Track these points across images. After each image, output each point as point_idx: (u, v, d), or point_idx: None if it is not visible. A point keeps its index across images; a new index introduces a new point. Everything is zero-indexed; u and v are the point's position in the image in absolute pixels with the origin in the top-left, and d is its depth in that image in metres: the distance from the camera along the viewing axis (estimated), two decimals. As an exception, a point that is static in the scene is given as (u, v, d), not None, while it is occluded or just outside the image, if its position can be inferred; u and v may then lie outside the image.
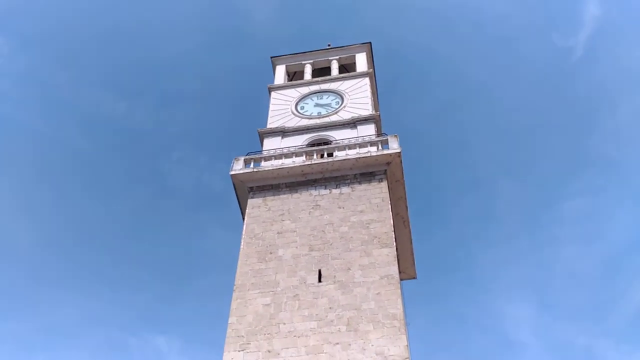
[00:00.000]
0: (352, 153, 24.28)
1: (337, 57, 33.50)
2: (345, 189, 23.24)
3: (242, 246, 21.79)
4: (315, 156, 24.77)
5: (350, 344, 17.80)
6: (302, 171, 23.99)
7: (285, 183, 23.94)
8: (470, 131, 66.30)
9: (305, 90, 30.57)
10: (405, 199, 24.53)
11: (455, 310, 56.49)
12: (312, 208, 22.71)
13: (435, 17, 69.96)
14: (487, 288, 58.33)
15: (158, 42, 69.83)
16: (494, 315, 56.90)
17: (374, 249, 20.56)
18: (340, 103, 28.91)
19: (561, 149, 62.86)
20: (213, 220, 63.56)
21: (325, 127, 27.30)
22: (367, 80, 30.49)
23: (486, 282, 58.47)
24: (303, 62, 33.51)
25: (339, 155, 24.39)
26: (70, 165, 63.98)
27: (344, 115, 27.81)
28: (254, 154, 25.55)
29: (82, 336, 56.29)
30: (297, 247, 21.26)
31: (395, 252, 20.79)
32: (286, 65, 33.46)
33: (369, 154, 23.86)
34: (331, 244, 21.10)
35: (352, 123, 27.00)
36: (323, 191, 23.37)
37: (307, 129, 27.37)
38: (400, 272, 21.38)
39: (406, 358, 17.18)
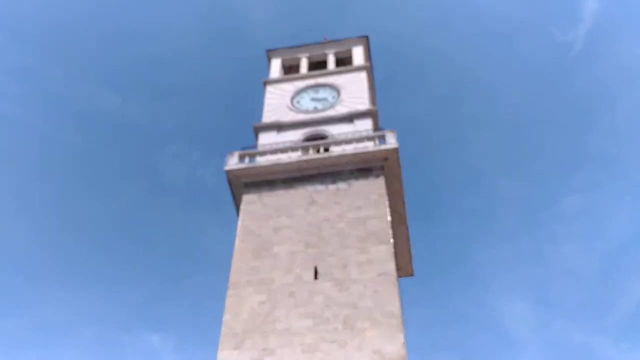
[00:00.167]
0: (348, 148, 23.99)
1: (334, 50, 33.13)
2: (341, 185, 22.95)
3: (237, 243, 21.50)
4: (311, 151, 24.47)
5: (346, 342, 17.55)
6: (298, 167, 23.69)
7: (281, 179, 23.64)
8: (469, 127, 66.12)
9: (301, 84, 30.23)
10: (403, 195, 24.28)
11: (453, 308, 56.46)
12: (308, 204, 22.40)
13: (433, 12, 69.70)
14: (485, 285, 58.30)
15: (153, 37, 69.42)
16: (492, 313, 56.86)
17: (371, 246, 20.29)
18: (336, 97, 28.60)
19: (560, 145, 62.75)
20: (208, 217, 63.24)
21: (322, 121, 26.98)
22: (364, 74, 30.16)
23: (484, 279, 58.40)
24: (299, 56, 33.14)
25: (336, 150, 24.10)
26: (64, 160, 63.58)
27: (341, 109, 27.49)
28: (249, 149, 25.23)
29: (75, 334, 56.05)
30: (292, 244, 20.97)
31: (393, 249, 20.55)
32: (282, 59, 33.06)
33: (366, 150, 23.57)
34: (327, 241, 20.81)
35: (349, 118, 26.68)
36: (319, 187, 23.08)
37: (303, 124, 27.04)
38: (397, 270, 21.14)
39: (403, 356, 16.97)
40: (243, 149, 25.15)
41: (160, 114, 68.27)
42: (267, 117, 28.17)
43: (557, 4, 64.58)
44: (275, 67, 32.43)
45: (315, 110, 28.09)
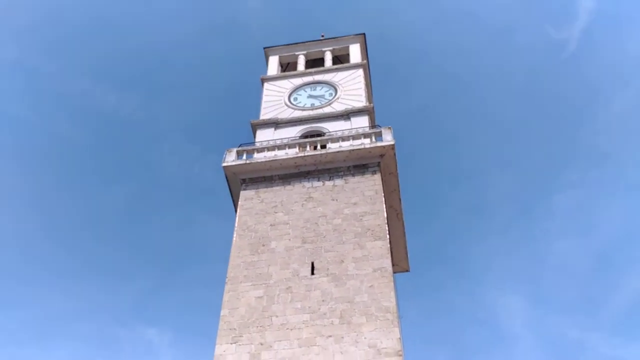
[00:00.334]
0: (345, 145, 24.15)
1: (331, 48, 33.28)
2: (338, 181, 23.13)
3: (234, 238, 21.67)
4: (308, 148, 24.63)
5: (343, 337, 17.74)
6: (295, 163, 23.85)
7: (278, 175, 23.80)
8: (464, 123, 66.36)
9: (298, 81, 30.37)
10: (399, 191, 24.45)
11: (448, 303, 56.73)
12: (305, 200, 22.59)
13: (429, 9, 69.81)
14: (479, 281, 58.55)
15: (149, 33, 69.38)
16: (487, 308, 57.16)
17: (367, 242, 20.49)
18: (333, 94, 28.75)
19: (553, 142, 63.03)
20: (205, 212, 63.39)
21: (319, 118, 27.14)
22: (360, 71, 30.32)
23: (479, 274, 58.68)
24: (296, 53, 33.29)
25: (333, 147, 24.25)
26: (60, 156, 63.59)
27: (338, 106, 27.66)
28: (247, 146, 25.38)
29: (72, 327, 56.15)
30: (290, 240, 21.15)
31: (389, 245, 20.73)
32: (279, 56, 33.21)
33: (362, 146, 23.74)
34: (324, 237, 21.00)
35: (346, 115, 26.84)
36: (316, 183, 23.26)
37: (301, 121, 27.20)
38: (393, 265, 21.31)
39: (399, 351, 17.14)
40: (241, 145, 25.31)
41: (157, 110, 68.35)
42: (265, 114, 28.32)
43: (553, 2, 64.85)
44: (273, 65, 32.60)
45: (313, 107, 28.24)
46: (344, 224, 21.31)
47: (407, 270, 26.63)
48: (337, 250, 20.43)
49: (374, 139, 24.21)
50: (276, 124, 27.25)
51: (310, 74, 30.88)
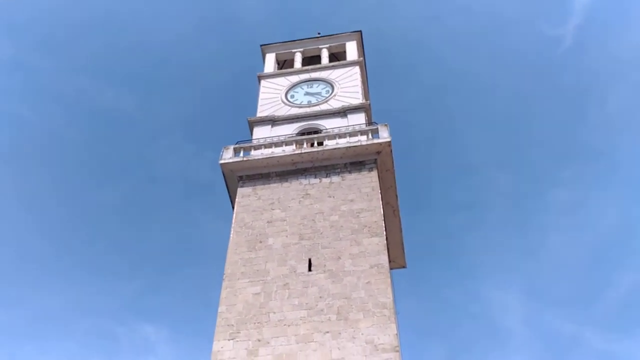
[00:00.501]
0: (342, 142, 24.23)
1: (327, 45, 33.35)
2: (335, 178, 23.21)
3: (231, 235, 21.74)
4: (305, 145, 24.69)
5: (340, 333, 17.83)
6: (292, 160, 23.92)
7: (275, 172, 23.87)
8: (460, 120, 66.49)
9: (295, 78, 30.44)
10: (395, 188, 24.54)
11: (444, 299, 56.91)
12: (302, 197, 22.67)
13: (425, 6, 69.87)
14: (475, 276, 58.77)
15: (146, 29, 69.30)
16: (482, 303, 57.32)
17: (364, 238, 20.58)
18: (330, 92, 28.83)
19: (550, 138, 63.19)
20: (202, 209, 63.45)
21: (316, 115, 27.21)
22: (357, 68, 30.40)
23: (475, 270, 58.84)
24: (293, 51, 33.37)
25: (329, 144, 24.34)
26: (56, 153, 63.53)
27: (334, 104, 27.74)
28: (244, 143, 25.44)
29: (70, 325, 56.17)
30: (287, 236, 21.23)
31: (385, 241, 20.80)
32: (276, 54, 33.27)
33: (359, 143, 23.82)
34: (321, 233, 21.08)
35: (343, 112, 26.92)
36: (313, 180, 23.34)
37: (297, 118, 27.27)
38: (390, 261, 21.42)
39: (396, 346, 17.24)
40: (238, 142, 25.37)
41: (154, 107, 68.29)
42: (262, 111, 28.37)
43: (547, -1, 64.93)
44: (270, 62, 32.65)
45: (309, 104, 28.31)
46: (341, 221, 21.39)
47: (403, 267, 26.74)
48: (334, 246, 20.52)
49: (370, 136, 24.29)
50: (273, 121, 27.31)
51: (307, 71, 30.95)
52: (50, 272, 58.20)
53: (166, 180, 64.76)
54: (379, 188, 22.63)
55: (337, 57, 33.13)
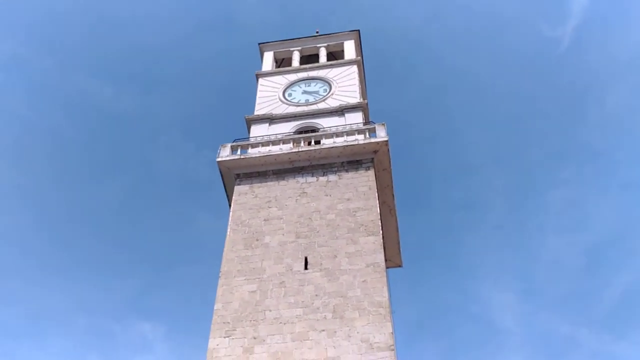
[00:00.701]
0: (339, 141, 24.26)
1: (325, 44, 33.38)
2: (332, 177, 23.24)
3: (228, 233, 21.76)
4: (302, 143, 24.72)
5: (335, 331, 17.88)
6: (289, 158, 23.95)
7: (272, 170, 23.89)
8: (457, 120, 66.57)
9: (293, 77, 30.46)
10: (392, 187, 24.57)
11: (440, 298, 57.03)
12: (299, 195, 22.70)
13: (424, 6, 69.89)
14: (472, 276, 58.85)
15: (145, 28, 69.25)
16: (479, 303, 57.47)
17: (360, 237, 20.62)
18: (328, 91, 28.85)
19: (548, 139, 63.31)
20: (199, 207, 63.39)
21: (313, 114, 27.24)
22: (355, 68, 30.43)
23: (471, 270, 58.92)
24: (291, 49, 33.36)
25: (327, 143, 24.37)
26: (55, 150, 63.48)
27: (332, 102, 27.76)
28: (241, 141, 25.46)
29: (67, 322, 56.19)
30: (283, 234, 21.26)
31: (382, 240, 20.86)
32: (274, 52, 33.28)
33: (356, 142, 23.85)
34: (318, 232, 21.12)
35: (340, 111, 26.96)
36: (310, 179, 23.36)
37: (295, 116, 27.29)
38: (386, 260, 21.42)
39: (391, 345, 17.29)
40: (235, 140, 25.40)
41: (152, 105, 68.30)
42: (259, 109, 28.39)
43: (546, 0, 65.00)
44: (268, 60, 32.65)
45: (307, 103, 28.34)
46: (338, 219, 21.43)
47: (399, 266, 26.79)
48: (331, 245, 20.55)
49: (367, 135, 24.33)
50: (271, 119, 27.33)
51: (305, 70, 30.96)
52: (49, 270, 58.26)
53: (164, 178, 64.85)
54: (375, 187, 22.66)
55: (335, 56, 33.17)
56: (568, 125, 63.44)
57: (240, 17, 70.83)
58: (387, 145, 23.71)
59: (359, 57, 31.86)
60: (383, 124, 24.54)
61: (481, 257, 59.51)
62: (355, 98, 27.87)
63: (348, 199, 22.14)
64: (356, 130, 24.73)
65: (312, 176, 23.43)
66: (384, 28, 67.34)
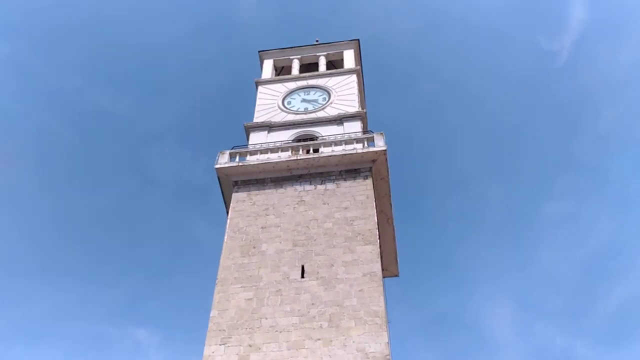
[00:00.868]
0: (337, 149, 24.31)
1: (325, 53, 33.49)
2: (330, 185, 23.27)
3: (225, 240, 21.74)
4: (301, 152, 24.76)
5: (331, 340, 17.84)
6: (288, 166, 23.97)
7: (271, 178, 23.91)
8: (456, 131, 66.67)
9: (292, 85, 30.54)
10: (390, 196, 24.62)
11: (436, 309, 56.99)
12: (297, 203, 22.70)
13: (422, 18, 70.17)
14: (468, 288, 58.82)
15: (144, 34, 69.31)
16: (475, 315, 57.44)
17: (357, 246, 20.62)
18: (327, 99, 28.92)
19: (544, 152, 63.47)
20: (196, 214, 63.31)
21: (312, 122, 27.30)
22: (354, 77, 30.52)
23: (467, 281, 58.97)
24: (291, 57, 33.47)
25: (325, 151, 24.41)
26: (51, 155, 63.31)
27: (331, 111, 27.83)
28: (240, 148, 25.50)
29: (61, 328, 55.91)
30: (280, 242, 21.25)
31: (379, 250, 20.85)
32: (274, 60, 33.37)
33: (354, 151, 23.90)
34: (315, 240, 21.11)
35: (339, 119, 27.02)
36: (308, 187, 23.38)
37: (294, 124, 27.34)
38: (383, 270, 21.47)
39: (387, 355, 17.26)
40: (234, 147, 25.43)
41: (150, 111, 68.26)
42: (258, 117, 28.44)
43: (544, 13, 65.32)
44: (267, 68, 32.73)
45: (306, 111, 28.40)
46: (335, 228, 21.43)
47: (396, 275, 26.80)
48: (328, 254, 20.55)
49: (366, 144, 24.37)
50: (269, 127, 27.38)
51: (304, 78, 31.05)
52: (43, 276, 58.06)
53: (161, 183, 64.75)
54: (373, 196, 22.69)
55: (335, 64, 33.28)
56: (564, 139, 63.72)
57: (240, 23, 71.11)
58: (385, 154, 23.76)
59: (359, 67, 31.98)
60: (381, 134, 24.61)
61: (477, 267, 59.58)
62: (354, 107, 27.95)
63: (346, 208, 22.16)
64: (355, 139, 24.78)
65: (310, 184, 23.46)
66: (384, 38, 67.69)
